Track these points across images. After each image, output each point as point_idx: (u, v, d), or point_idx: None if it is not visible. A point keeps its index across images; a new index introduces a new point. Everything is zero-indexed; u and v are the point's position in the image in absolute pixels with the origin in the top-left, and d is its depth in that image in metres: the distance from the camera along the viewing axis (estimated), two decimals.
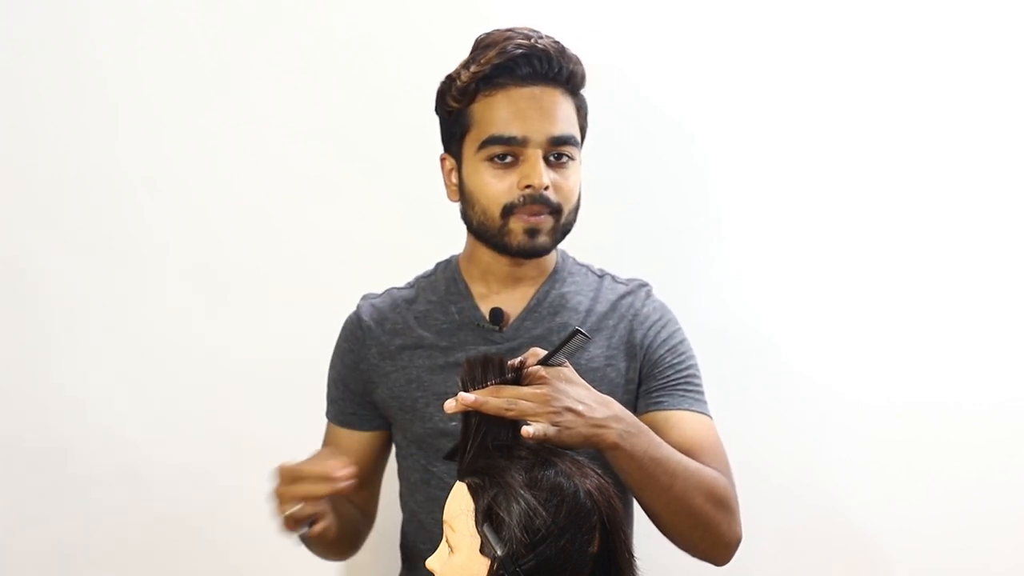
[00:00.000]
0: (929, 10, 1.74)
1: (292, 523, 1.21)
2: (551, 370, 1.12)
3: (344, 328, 1.44)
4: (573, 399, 1.11)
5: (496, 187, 1.29)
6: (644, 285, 1.43)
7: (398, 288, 1.45)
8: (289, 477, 1.19)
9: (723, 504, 1.24)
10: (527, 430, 1.06)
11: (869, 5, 1.75)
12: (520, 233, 1.30)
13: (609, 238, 1.74)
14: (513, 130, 1.27)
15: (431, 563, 1.05)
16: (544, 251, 1.32)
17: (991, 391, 1.77)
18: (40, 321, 1.75)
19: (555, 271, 1.40)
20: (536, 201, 1.28)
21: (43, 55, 1.73)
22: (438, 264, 1.45)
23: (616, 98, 1.73)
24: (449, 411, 1.07)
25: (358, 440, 1.42)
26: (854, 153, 1.76)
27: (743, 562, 1.73)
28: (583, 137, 1.36)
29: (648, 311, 1.39)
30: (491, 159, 1.29)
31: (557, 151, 1.29)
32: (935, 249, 1.77)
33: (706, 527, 1.22)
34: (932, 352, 1.77)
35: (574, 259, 1.44)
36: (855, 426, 1.78)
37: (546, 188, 1.27)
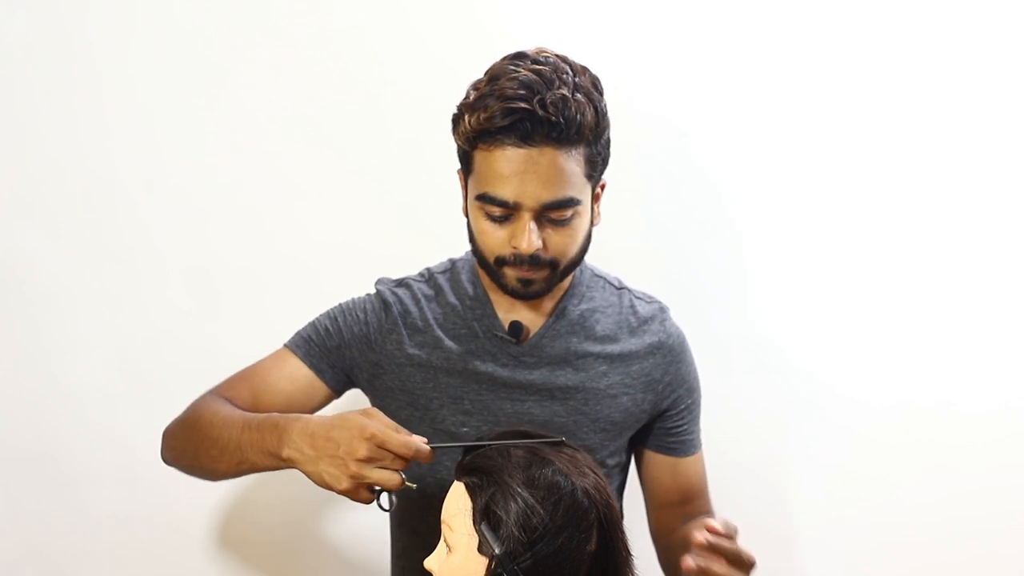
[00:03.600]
0: (928, 13, 1.75)
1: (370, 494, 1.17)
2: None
3: (366, 303, 1.41)
4: None
5: (491, 237, 1.28)
6: (664, 309, 1.44)
7: (414, 279, 1.43)
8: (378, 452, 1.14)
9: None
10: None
11: (871, 8, 1.75)
12: (513, 280, 1.30)
13: (612, 244, 1.74)
14: (506, 194, 1.24)
15: (429, 562, 1.06)
16: (540, 296, 1.33)
17: (994, 393, 1.77)
18: (37, 322, 1.75)
19: (573, 285, 1.40)
20: (526, 261, 1.27)
21: (39, 56, 1.73)
22: (453, 261, 1.44)
23: (622, 105, 1.73)
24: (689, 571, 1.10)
25: (308, 383, 1.39)
26: (858, 158, 1.76)
27: None
28: (603, 169, 1.32)
29: (671, 344, 1.41)
30: (487, 214, 1.28)
31: (553, 215, 1.26)
32: (938, 252, 1.77)
33: None
34: (935, 354, 1.77)
35: (592, 270, 1.43)
36: (858, 428, 1.78)
37: (536, 250, 1.26)
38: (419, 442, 1.15)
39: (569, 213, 1.26)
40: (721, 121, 1.77)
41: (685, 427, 1.42)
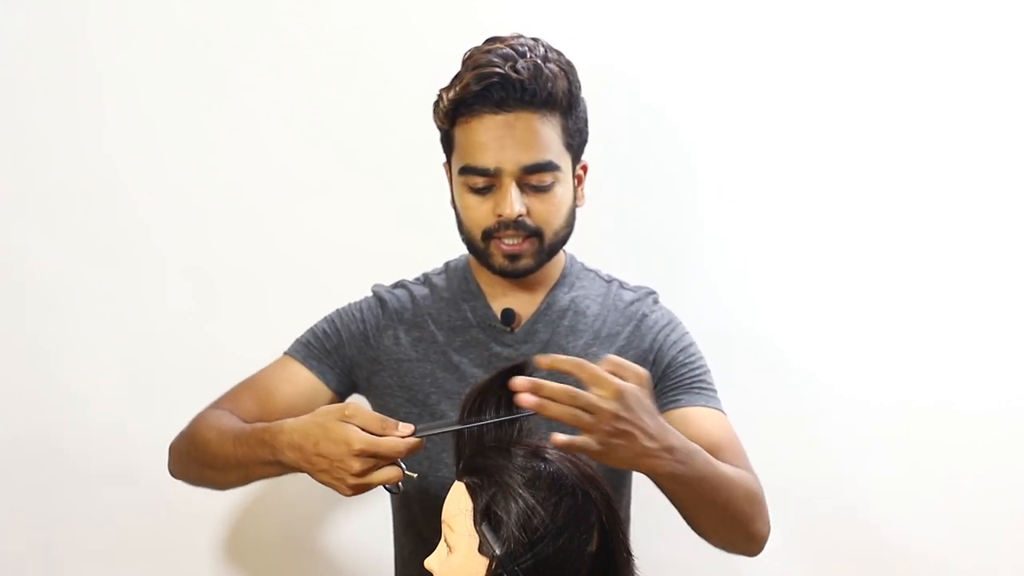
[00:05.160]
0: (924, 10, 1.75)
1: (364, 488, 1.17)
2: (630, 387, 1.07)
3: (362, 303, 1.44)
4: (636, 426, 1.07)
5: (476, 212, 1.31)
6: (651, 293, 1.45)
7: (410, 282, 1.46)
8: (367, 455, 1.13)
9: (757, 501, 1.27)
10: (560, 439, 1.03)
11: (865, 4, 1.75)
12: (500, 257, 1.32)
13: (607, 241, 1.75)
14: (486, 161, 1.28)
15: (429, 562, 1.06)
16: (528, 272, 1.34)
17: (994, 393, 1.76)
18: (37, 322, 1.75)
19: (563, 275, 1.42)
20: (511, 227, 1.29)
21: (40, 56, 1.73)
22: (447, 263, 1.47)
23: (614, 100, 1.73)
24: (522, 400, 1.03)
25: (310, 386, 1.39)
26: (858, 153, 1.76)
27: (739, 562, 1.74)
28: (581, 149, 1.36)
29: (656, 317, 1.41)
30: (470, 187, 1.31)
31: (533, 180, 1.29)
32: (938, 252, 1.76)
33: (744, 527, 1.25)
34: (935, 354, 1.77)
35: (582, 264, 1.45)
36: (858, 428, 1.77)
37: (519, 216, 1.29)
38: (406, 438, 1.14)
39: (549, 179, 1.30)
40: (722, 120, 1.77)
41: (687, 382, 1.38)
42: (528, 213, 1.29)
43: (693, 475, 1.15)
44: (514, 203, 1.28)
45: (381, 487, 1.17)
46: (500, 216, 1.29)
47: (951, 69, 1.75)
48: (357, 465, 1.13)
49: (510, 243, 1.31)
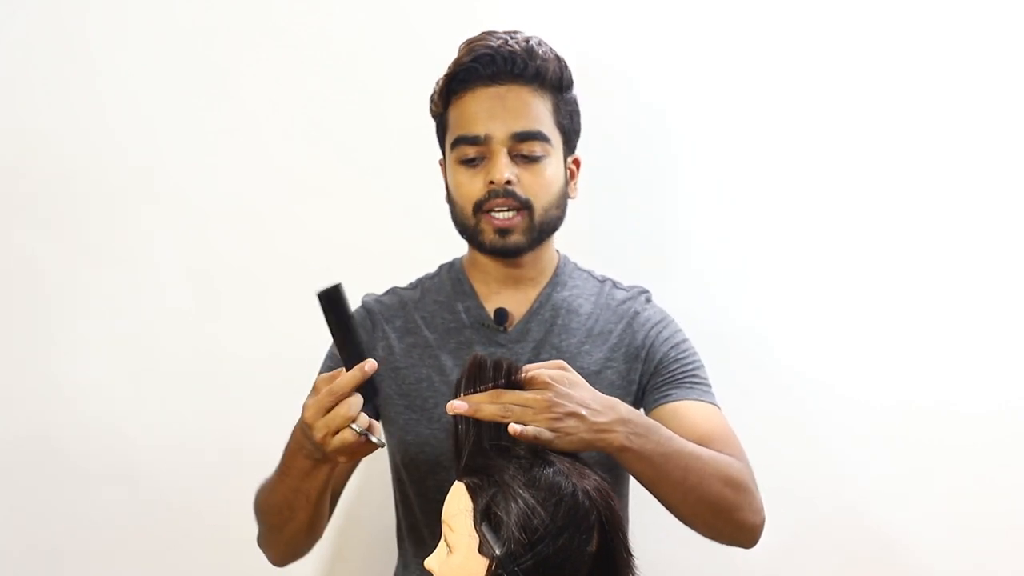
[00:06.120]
0: (920, 11, 1.75)
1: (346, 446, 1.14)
2: (556, 373, 1.12)
3: None
4: (577, 403, 1.11)
5: (468, 186, 1.32)
6: (644, 292, 1.46)
7: (402, 288, 1.46)
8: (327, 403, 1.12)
9: (741, 487, 1.25)
10: (515, 428, 1.06)
11: (862, 5, 1.75)
12: (491, 232, 1.32)
13: (605, 240, 1.75)
14: (477, 128, 1.30)
15: (429, 562, 1.06)
16: (519, 249, 1.34)
17: (994, 393, 1.76)
18: (37, 322, 1.75)
19: (556, 274, 1.42)
20: (502, 195, 1.30)
21: (39, 56, 1.73)
22: (441, 266, 1.47)
23: (608, 98, 1.73)
24: (452, 412, 1.08)
25: None
26: (857, 153, 1.76)
27: (739, 562, 1.74)
28: (572, 137, 1.37)
29: (648, 315, 1.41)
30: (463, 161, 1.32)
31: (523, 148, 1.30)
32: (938, 252, 1.76)
33: (728, 513, 1.23)
34: (935, 354, 1.77)
35: (575, 264, 1.46)
36: (858, 428, 1.78)
37: (508, 183, 1.29)
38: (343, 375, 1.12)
39: (539, 150, 1.32)
40: (720, 120, 1.78)
41: (680, 377, 1.37)
42: (518, 183, 1.30)
43: (655, 450, 1.16)
44: (503, 169, 1.29)
45: (378, 447, 1.15)
46: (491, 183, 1.30)
47: (947, 70, 1.75)
48: (317, 434, 1.12)
49: (501, 216, 1.31)
